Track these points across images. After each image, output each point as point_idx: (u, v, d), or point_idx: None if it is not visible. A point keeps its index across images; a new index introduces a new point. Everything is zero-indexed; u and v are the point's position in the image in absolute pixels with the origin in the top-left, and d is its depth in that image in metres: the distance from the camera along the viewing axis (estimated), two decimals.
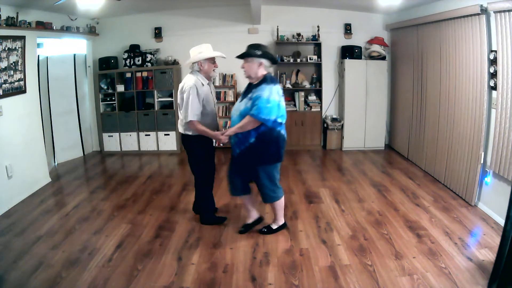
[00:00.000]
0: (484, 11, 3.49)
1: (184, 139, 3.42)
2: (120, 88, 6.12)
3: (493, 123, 3.52)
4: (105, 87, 6.19)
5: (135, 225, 3.59)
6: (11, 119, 4.17)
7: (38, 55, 5.01)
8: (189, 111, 3.15)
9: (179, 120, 3.42)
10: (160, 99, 6.24)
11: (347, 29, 6.27)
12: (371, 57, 6.05)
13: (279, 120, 2.96)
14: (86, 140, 6.34)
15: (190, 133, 3.32)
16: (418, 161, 5.26)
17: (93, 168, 5.61)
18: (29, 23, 4.45)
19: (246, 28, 6.27)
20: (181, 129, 3.40)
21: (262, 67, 3.04)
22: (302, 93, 6.22)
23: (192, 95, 3.14)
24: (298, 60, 6.20)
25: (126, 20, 6.24)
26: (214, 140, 3.44)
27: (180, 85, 3.28)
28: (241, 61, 3.08)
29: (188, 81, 3.22)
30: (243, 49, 3.07)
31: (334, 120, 6.32)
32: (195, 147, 3.39)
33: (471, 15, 3.71)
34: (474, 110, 3.78)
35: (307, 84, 6.27)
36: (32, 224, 3.64)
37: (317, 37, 6.10)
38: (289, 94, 6.40)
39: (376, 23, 6.30)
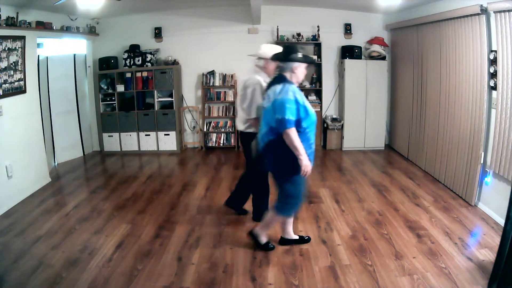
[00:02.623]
0: (484, 11, 3.48)
1: (243, 137, 3.34)
2: (120, 88, 6.12)
3: (493, 123, 3.52)
4: (105, 87, 6.19)
5: (135, 225, 3.59)
6: (11, 119, 4.17)
7: (38, 55, 5.00)
8: (253, 107, 3.08)
9: (238, 117, 3.34)
10: (160, 99, 6.24)
11: (347, 29, 6.27)
12: (371, 57, 6.05)
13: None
14: (86, 140, 6.34)
15: (251, 130, 3.22)
16: (418, 161, 5.26)
17: (93, 168, 5.61)
18: (29, 23, 4.45)
19: (246, 28, 6.27)
20: (241, 127, 3.31)
21: None
22: (302, 93, 6.19)
23: (257, 91, 3.06)
24: None
25: (126, 20, 6.24)
26: None
27: (244, 80, 3.23)
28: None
29: (253, 77, 3.14)
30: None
31: (334, 120, 6.32)
32: None
33: (471, 15, 3.71)
34: (474, 110, 3.77)
35: (307, 84, 6.27)
36: (32, 224, 3.64)
37: (317, 37, 6.10)
38: None
39: (376, 23, 6.30)
